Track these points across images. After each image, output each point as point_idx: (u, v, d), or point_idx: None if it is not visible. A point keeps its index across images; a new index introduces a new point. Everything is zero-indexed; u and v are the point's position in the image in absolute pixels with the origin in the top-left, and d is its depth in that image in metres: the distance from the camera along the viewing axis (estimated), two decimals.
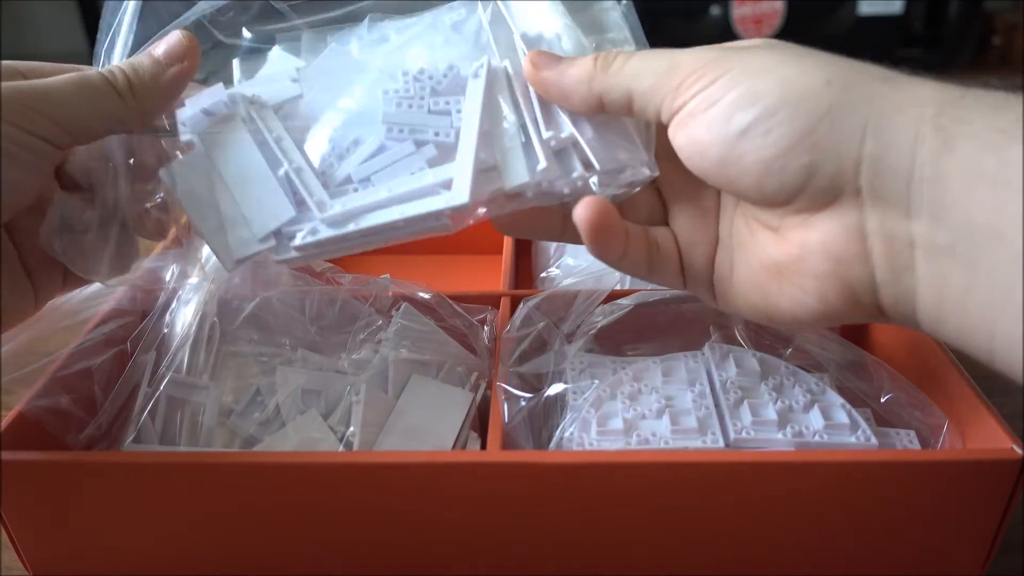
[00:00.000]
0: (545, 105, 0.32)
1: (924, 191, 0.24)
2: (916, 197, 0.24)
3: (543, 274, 0.54)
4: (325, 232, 0.31)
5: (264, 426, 0.37)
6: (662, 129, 0.31)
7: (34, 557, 0.35)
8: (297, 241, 0.31)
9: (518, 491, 0.33)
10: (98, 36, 0.34)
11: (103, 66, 0.33)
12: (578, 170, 0.31)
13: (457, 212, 0.31)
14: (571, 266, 0.52)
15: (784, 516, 0.33)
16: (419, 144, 0.32)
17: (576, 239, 0.32)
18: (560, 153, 0.32)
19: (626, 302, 0.41)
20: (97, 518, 0.34)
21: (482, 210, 0.32)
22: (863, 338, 0.45)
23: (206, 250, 0.40)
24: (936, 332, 0.26)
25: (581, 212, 0.30)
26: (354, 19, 0.36)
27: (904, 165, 0.24)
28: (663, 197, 0.34)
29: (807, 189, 0.26)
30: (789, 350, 0.40)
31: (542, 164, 0.31)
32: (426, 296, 0.43)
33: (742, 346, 0.40)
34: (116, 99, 0.30)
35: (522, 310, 0.41)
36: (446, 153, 0.32)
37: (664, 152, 0.32)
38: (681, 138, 0.29)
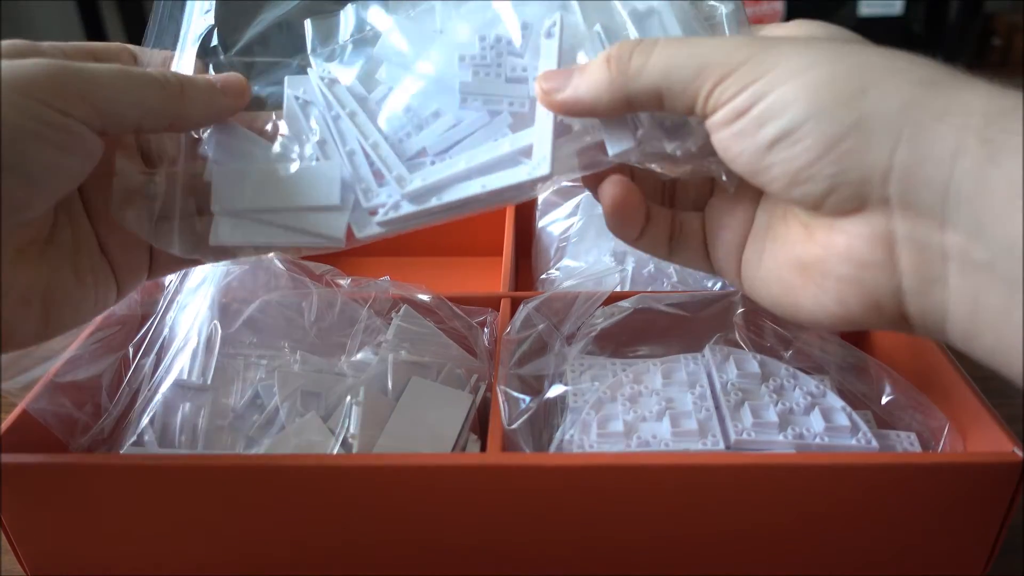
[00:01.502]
0: None
1: (963, 205, 0.23)
2: (953, 210, 0.24)
3: (543, 276, 0.54)
4: (407, 207, 0.31)
5: (263, 428, 0.37)
6: None
7: (33, 559, 0.35)
8: (380, 217, 0.32)
9: (518, 493, 0.33)
10: (146, 33, 0.35)
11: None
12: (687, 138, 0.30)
13: (541, 180, 0.31)
14: (571, 268, 0.52)
15: (784, 518, 0.33)
16: (493, 115, 0.32)
17: None
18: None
19: (626, 304, 0.41)
20: (96, 521, 0.34)
21: (566, 177, 0.31)
22: (864, 340, 0.45)
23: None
24: (967, 347, 0.25)
25: (606, 190, 0.32)
26: None
27: (941, 176, 0.23)
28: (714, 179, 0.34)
29: (832, 196, 0.26)
30: (790, 352, 0.40)
31: (643, 128, 0.30)
32: (426, 298, 0.43)
33: (742, 348, 0.40)
34: (160, 94, 0.30)
35: (522, 312, 0.41)
36: (523, 120, 0.32)
37: None
38: (714, 141, 0.28)
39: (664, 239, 0.34)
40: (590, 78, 0.29)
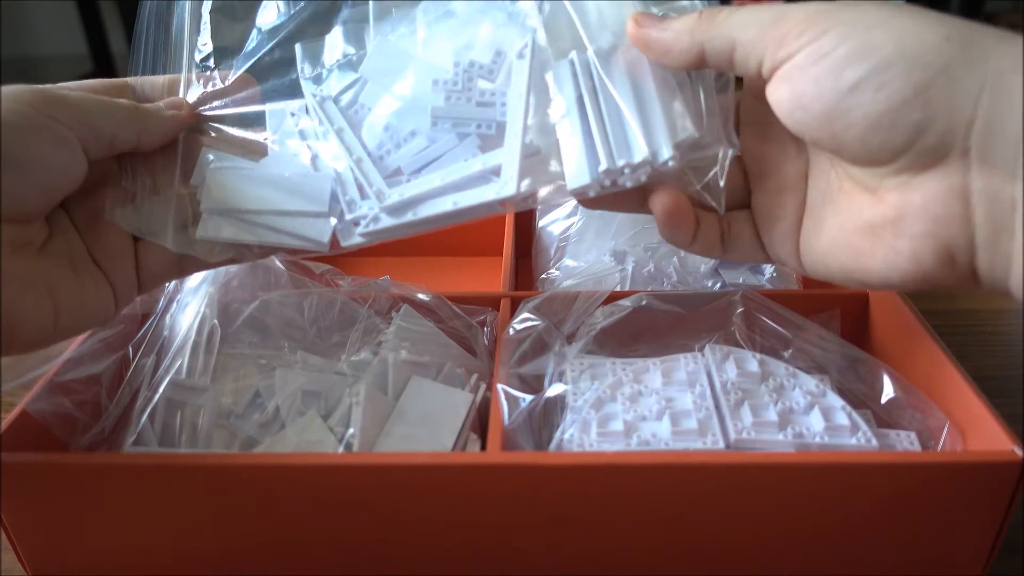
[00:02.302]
0: (613, 108, 0.32)
1: None
2: None
3: (543, 275, 0.54)
4: (386, 220, 0.34)
5: (264, 428, 0.37)
6: (747, 99, 0.32)
7: (34, 559, 0.35)
8: (361, 228, 0.34)
9: (518, 493, 0.33)
10: (133, 39, 0.37)
11: (140, 68, 0.37)
12: (642, 157, 0.31)
13: (507, 200, 0.32)
14: (571, 267, 0.52)
15: (784, 517, 0.33)
16: (461, 137, 0.34)
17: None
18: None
19: (626, 303, 0.41)
20: (97, 520, 0.34)
21: (541, 194, 0.33)
22: (863, 339, 0.45)
23: None
24: None
25: (656, 201, 0.32)
26: None
27: (1016, 126, 0.24)
28: (745, 171, 0.34)
29: (914, 147, 0.26)
30: (789, 351, 0.40)
31: (603, 165, 0.31)
32: (426, 298, 0.43)
33: (742, 347, 0.40)
34: (122, 110, 0.33)
35: (522, 311, 0.41)
36: (490, 142, 0.33)
37: (749, 120, 0.33)
38: (783, 91, 0.28)
39: (716, 240, 0.34)
40: (680, 21, 0.30)
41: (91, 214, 0.34)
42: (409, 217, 0.34)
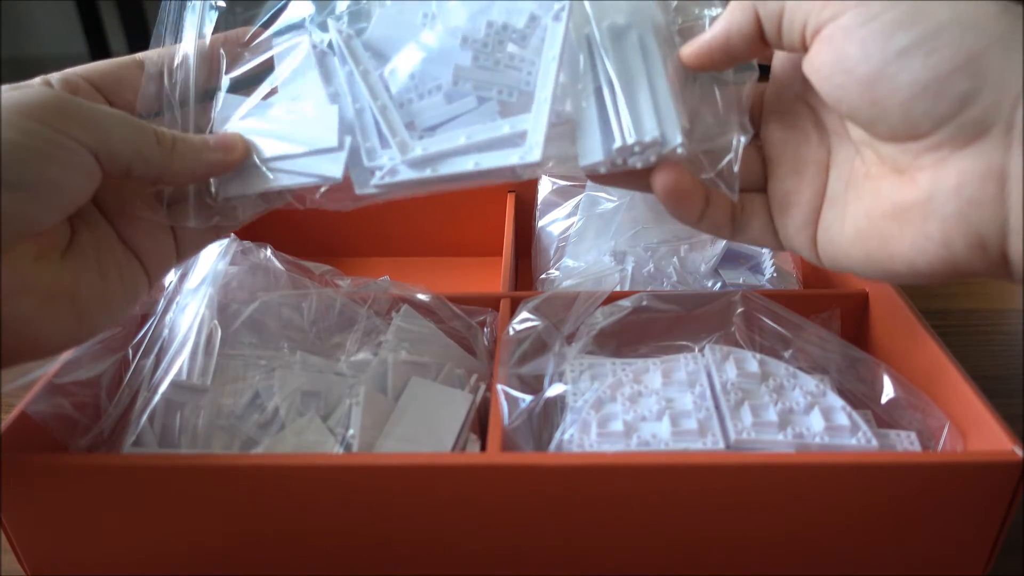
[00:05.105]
0: (626, 88, 0.31)
1: None
2: None
3: (543, 276, 0.54)
4: (405, 174, 0.33)
5: (263, 428, 0.37)
6: (771, 88, 0.32)
7: (33, 559, 0.35)
8: (376, 179, 0.33)
9: (518, 493, 0.33)
10: (153, 35, 0.36)
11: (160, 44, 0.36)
12: (651, 134, 0.30)
13: (529, 167, 0.32)
14: (571, 267, 0.52)
15: (784, 518, 0.33)
16: (481, 101, 0.33)
17: None
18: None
19: (626, 303, 0.41)
20: (97, 521, 0.34)
21: (556, 167, 0.32)
22: (863, 339, 0.45)
23: (206, 252, 0.40)
24: None
25: (658, 179, 0.31)
26: None
27: None
28: (764, 158, 0.34)
29: (958, 118, 0.25)
30: (789, 351, 0.40)
31: (618, 143, 0.30)
32: (425, 298, 0.43)
33: (742, 347, 0.40)
34: (153, 145, 0.31)
35: (522, 312, 0.41)
36: (510, 109, 0.32)
37: (772, 109, 0.33)
38: (825, 55, 0.28)
39: (725, 220, 0.33)
40: (727, 11, 0.30)
41: (122, 196, 0.33)
42: (427, 173, 0.32)
